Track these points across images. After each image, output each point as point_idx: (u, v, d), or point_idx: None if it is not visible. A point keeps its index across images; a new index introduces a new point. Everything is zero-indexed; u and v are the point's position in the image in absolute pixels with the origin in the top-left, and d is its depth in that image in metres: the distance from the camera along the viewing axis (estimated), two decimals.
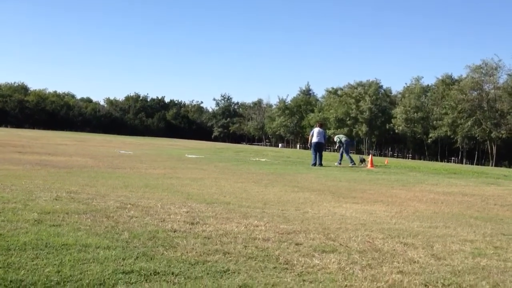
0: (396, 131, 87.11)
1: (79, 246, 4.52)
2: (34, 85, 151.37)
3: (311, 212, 7.70)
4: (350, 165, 20.91)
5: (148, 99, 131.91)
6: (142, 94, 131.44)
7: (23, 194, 7.53)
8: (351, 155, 22.81)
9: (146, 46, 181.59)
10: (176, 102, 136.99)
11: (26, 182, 9.26)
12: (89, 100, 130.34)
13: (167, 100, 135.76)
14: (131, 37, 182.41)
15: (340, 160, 22.13)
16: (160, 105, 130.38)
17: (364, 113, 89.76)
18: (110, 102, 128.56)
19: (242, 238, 5.36)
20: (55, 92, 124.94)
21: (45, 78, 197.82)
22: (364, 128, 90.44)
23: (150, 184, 10.42)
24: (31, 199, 7.09)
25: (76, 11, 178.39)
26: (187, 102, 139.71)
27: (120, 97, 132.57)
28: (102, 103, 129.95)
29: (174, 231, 5.51)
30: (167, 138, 72.81)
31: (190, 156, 22.12)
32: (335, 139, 24.06)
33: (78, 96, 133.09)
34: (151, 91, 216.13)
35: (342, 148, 22.26)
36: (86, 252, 4.36)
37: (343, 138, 22.61)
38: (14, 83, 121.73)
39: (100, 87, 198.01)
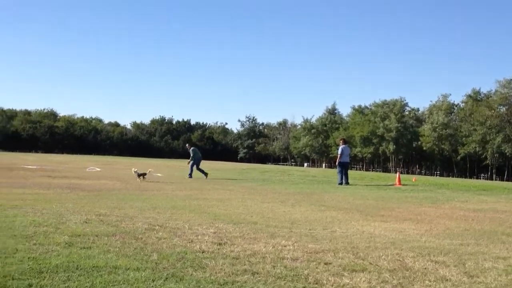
0: (424, 148, 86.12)
1: (109, 268, 4.57)
2: (63, 111, 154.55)
3: (339, 231, 7.64)
4: None
5: (174, 122, 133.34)
6: (167, 117, 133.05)
7: (54, 217, 7.65)
8: None
9: (171, 69, 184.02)
10: (201, 124, 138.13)
11: (56, 205, 9.41)
12: (116, 124, 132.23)
13: (192, 122, 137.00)
14: (157, 61, 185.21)
15: None
16: (185, 127, 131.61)
17: (391, 132, 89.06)
18: (136, 125, 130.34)
19: (271, 258, 5.34)
20: (83, 117, 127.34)
21: (73, 104, 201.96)
22: (391, 146, 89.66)
23: (177, 205, 10.47)
24: (61, 222, 7.20)
25: (102, 37, 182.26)
26: (212, 124, 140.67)
27: (146, 120, 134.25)
28: (128, 126, 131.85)
29: (203, 252, 5.53)
30: None
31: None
32: None
33: (106, 121, 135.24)
34: (177, 114, 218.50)
35: None
36: (116, 274, 4.39)
37: None
38: (44, 109, 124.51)
39: (127, 111, 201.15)
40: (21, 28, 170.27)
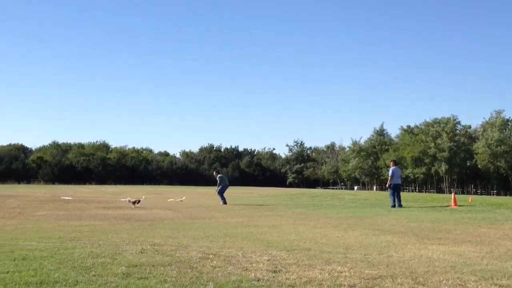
0: (479, 166, 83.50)
1: None
2: (115, 143, 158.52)
3: (395, 255, 7.45)
4: None
5: (222, 149, 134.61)
6: (216, 144, 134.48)
7: (110, 248, 7.81)
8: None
9: (219, 96, 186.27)
10: (249, 150, 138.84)
11: (112, 236, 9.61)
12: (165, 154, 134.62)
13: (240, 149, 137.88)
14: (204, 89, 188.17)
15: None
16: (233, 154, 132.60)
17: (443, 152, 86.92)
18: (185, 154, 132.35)
19: (327, 285, 5.26)
20: (134, 148, 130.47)
21: (124, 135, 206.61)
22: (443, 166, 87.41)
23: (229, 233, 10.50)
24: (118, 253, 7.33)
25: (148, 69, 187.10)
26: (259, 150, 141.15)
27: (195, 148, 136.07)
28: (177, 155, 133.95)
29: (258, 280, 5.50)
30: (241, 187, 73.50)
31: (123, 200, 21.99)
32: None
33: (156, 150, 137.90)
34: (225, 141, 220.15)
35: None
36: None
37: None
38: (97, 142, 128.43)
39: (176, 140, 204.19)
40: (69, 65, 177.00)
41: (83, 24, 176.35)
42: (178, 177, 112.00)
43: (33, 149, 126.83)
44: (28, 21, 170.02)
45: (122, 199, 20.68)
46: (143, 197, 21.53)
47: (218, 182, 23.74)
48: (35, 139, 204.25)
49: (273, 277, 5.71)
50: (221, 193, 23.27)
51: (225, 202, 22.58)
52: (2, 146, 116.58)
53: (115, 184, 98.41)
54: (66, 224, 12.26)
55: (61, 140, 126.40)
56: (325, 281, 5.49)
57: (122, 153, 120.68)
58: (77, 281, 5.27)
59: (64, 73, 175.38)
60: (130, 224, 12.67)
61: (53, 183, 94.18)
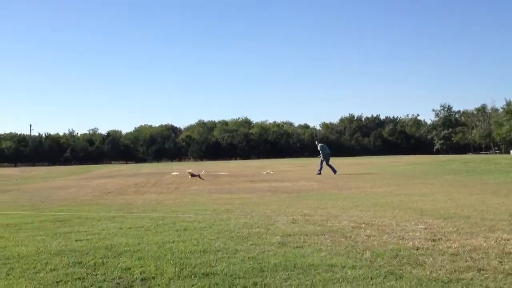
0: None
1: (325, 266, 4.59)
2: (256, 118, 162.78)
3: None
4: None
5: (363, 119, 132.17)
6: (356, 114, 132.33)
7: (262, 219, 8.02)
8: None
9: (357, 65, 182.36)
10: (392, 118, 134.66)
11: (262, 208, 9.87)
12: (306, 127, 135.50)
13: (382, 117, 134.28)
14: (340, 60, 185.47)
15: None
16: (375, 123, 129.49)
17: None
18: (325, 126, 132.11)
19: (495, 254, 4.89)
20: (275, 122, 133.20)
21: (265, 110, 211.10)
22: None
23: (379, 202, 10.26)
24: (270, 223, 7.50)
25: (285, 41, 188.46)
26: (403, 117, 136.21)
27: (335, 119, 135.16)
28: (318, 128, 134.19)
29: (417, 249, 5.28)
30: (385, 156, 71.72)
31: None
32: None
33: (296, 124, 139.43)
34: (365, 110, 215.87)
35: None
36: (333, 272, 4.40)
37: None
38: (239, 118, 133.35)
39: (316, 112, 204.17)
40: (213, 44, 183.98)
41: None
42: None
43: (182, 128, 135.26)
44: None
45: (189, 171, 23.28)
46: (203, 171, 23.93)
47: (321, 152, 24.00)
48: (183, 118, 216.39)
49: (433, 245, 5.45)
50: (327, 163, 23.58)
51: (333, 169, 22.93)
52: (154, 127, 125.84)
53: (258, 158, 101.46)
54: (218, 197, 12.85)
55: (206, 118, 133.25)
56: (492, 249, 5.12)
57: (264, 128, 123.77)
58: (236, 250, 5.47)
59: (216, 55, 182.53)
60: (277, 196, 12.92)
61: (202, 160, 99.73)
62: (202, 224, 7.59)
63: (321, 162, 23.67)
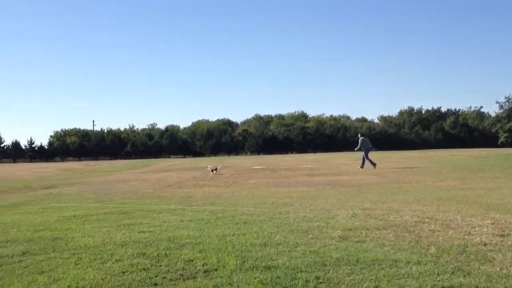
0: None
1: (389, 261, 4.49)
2: (312, 112, 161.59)
3: None
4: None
5: (423, 111, 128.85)
6: (416, 106, 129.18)
7: (322, 212, 7.95)
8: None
9: (417, 55, 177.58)
10: (453, 110, 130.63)
11: (321, 201, 9.79)
12: (363, 120, 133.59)
13: (443, 109, 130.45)
14: (399, 52, 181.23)
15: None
16: (436, 116, 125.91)
17: None
18: (384, 119, 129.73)
19: None
20: (332, 116, 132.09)
21: (322, 104, 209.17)
22: None
23: (442, 196, 9.96)
24: (330, 217, 7.42)
25: (340, 39, 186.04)
26: (465, 109, 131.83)
27: (394, 112, 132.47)
28: (376, 121, 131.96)
29: (485, 245, 5.09)
30: (446, 149, 69.69)
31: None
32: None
33: (353, 117, 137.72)
34: (425, 103, 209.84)
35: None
36: (398, 267, 4.30)
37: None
38: (295, 112, 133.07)
39: (373, 105, 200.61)
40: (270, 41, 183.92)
41: None
42: (377, 142, 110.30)
43: (239, 122, 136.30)
44: None
45: (209, 167, 23.87)
46: (220, 166, 24.78)
47: (361, 145, 23.91)
48: (239, 113, 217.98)
49: (501, 241, 5.24)
50: (367, 156, 23.31)
51: (372, 163, 22.58)
52: (211, 122, 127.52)
53: (315, 152, 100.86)
54: (276, 191, 12.84)
55: (262, 112, 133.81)
56: None
57: (320, 121, 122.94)
58: (297, 244, 5.44)
59: (274, 49, 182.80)
60: (336, 189, 12.79)
61: (258, 154, 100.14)
62: (261, 217, 7.61)
63: (363, 156, 23.63)
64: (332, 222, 6.92)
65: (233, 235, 6.12)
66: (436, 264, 4.35)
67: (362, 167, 22.90)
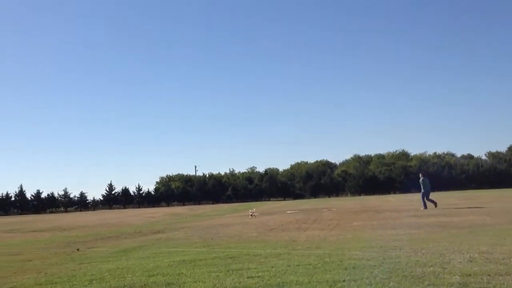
0: None
1: None
2: (414, 150, 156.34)
3: None
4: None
5: None
6: None
7: (435, 256, 7.56)
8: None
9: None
10: None
11: (433, 244, 9.32)
12: (470, 157, 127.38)
13: None
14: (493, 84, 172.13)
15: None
16: None
17: None
18: (492, 155, 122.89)
19: None
20: (435, 153, 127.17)
21: (424, 142, 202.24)
22: None
23: None
24: (445, 261, 7.03)
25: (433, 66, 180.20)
26: None
27: (503, 148, 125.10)
28: (483, 157, 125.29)
29: None
30: None
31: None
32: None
33: (458, 154, 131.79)
34: None
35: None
36: None
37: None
38: (396, 151, 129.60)
39: (480, 141, 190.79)
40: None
41: None
42: (486, 180, 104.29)
43: (337, 163, 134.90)
44: None
45: (250, 212, 26.22)
46: (254, 209, 28.24)
47: (422, 186, 24.09)
48: (338, 154, 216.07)
49: None
50: (427, 197, 23.43)
51: (425, 207, 22.69)
52: (310, 164, 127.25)
53: (419, 192, 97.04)
54: (383, 233, 12.43)
55: (361, 153, 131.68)
56: None
57: (423, 159, 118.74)
58: None
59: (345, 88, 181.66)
60: (447, 231, 12.16)
61: (359, 195, 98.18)
62: (371, 262, 7.36)
63: (423, 195, 23.67)
64: (448, 267, 6.54)
65: (343, 281, 5.96)
66: None
67: (425, 207, 22.86)
